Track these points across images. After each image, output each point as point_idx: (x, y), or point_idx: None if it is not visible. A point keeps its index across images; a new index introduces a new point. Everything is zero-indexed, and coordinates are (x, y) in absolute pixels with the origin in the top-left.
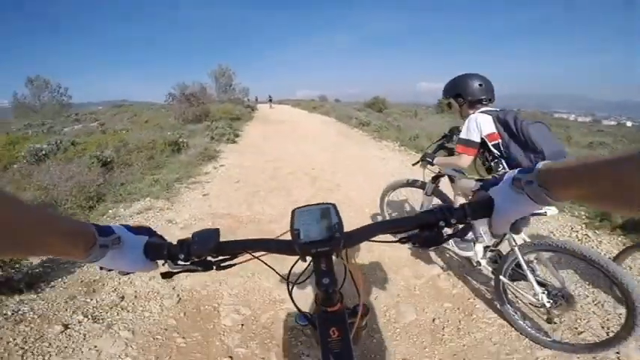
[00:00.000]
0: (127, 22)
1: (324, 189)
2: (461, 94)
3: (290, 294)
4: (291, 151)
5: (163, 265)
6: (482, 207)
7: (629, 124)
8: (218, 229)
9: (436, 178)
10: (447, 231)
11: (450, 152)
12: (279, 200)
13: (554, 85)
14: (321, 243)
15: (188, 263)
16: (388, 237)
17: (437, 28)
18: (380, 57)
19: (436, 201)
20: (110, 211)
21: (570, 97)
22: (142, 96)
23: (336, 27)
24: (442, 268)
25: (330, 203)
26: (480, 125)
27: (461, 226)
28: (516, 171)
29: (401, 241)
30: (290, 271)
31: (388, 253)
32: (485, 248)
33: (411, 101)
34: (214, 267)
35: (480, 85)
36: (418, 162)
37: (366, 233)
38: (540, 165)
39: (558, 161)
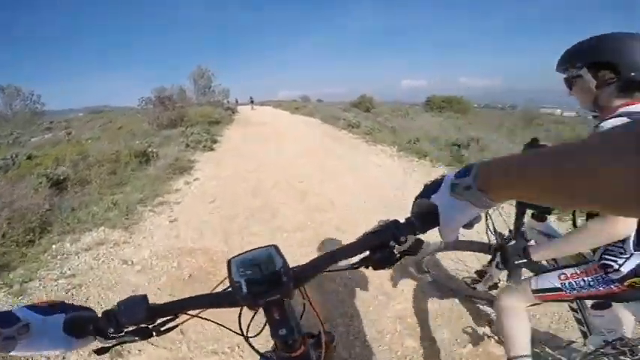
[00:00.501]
0: (108, 24)
1: (315, 207)
2: (614, 64)
3: (249, 343)
4: (275, 158)
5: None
6: (429, 217)
7: None
8: (145, 295)
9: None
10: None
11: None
12: (262, 227)
13: (545, 78)
14: (268, 292)
15: (122, 334)
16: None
17: (419, 24)
18: (362, 56)
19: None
20: (54, 246)
21: (560, 92)
22: (123, 101)
23: (317, 27)
24: (490, 324)
25: (272, 245)
26: None
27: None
28: (452, 175)
29: (354, 266)
30: (240, 320)
31: (417, 306)
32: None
33: (396, 100)
34: (154, 333)
35: None
36: (493, 260)
37: (315, 268)
38: (476, 168)
39: (495, 159)
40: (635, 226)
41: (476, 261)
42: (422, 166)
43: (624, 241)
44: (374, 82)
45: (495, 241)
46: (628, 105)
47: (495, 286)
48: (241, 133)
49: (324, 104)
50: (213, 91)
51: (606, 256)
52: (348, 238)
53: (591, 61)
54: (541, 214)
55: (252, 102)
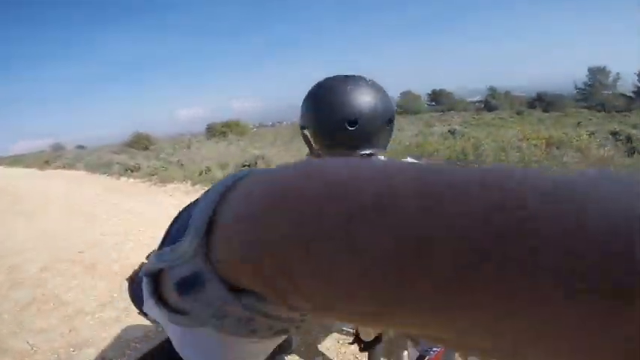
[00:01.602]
0: None
1: (121, 275)
2: (306, 128)
3: None
4: (25, 236)
5: None
6: None
7: None
8: None
9: None
10: None
11: None
12: (49, 320)
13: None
14: None
15: None
16: None
17: (181, 49)
18: (125, 88)
19: None
20: None
21: None
22: None
23: (62, 56)
24: None
25: None
26: None
27: None
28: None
29: None
30: None
31: None
32: None
33: (175, 132)
34: None
35: (352, 123)
36: None
37: None
38: (201, 217)
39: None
40: None
41: None
42: None
43: None
44: (147, 117)
45: None
46: None
47: None
48: None
49: (89, 150)
50: None
51: None
52: None
53: (301, 122)
54: None
55: None
